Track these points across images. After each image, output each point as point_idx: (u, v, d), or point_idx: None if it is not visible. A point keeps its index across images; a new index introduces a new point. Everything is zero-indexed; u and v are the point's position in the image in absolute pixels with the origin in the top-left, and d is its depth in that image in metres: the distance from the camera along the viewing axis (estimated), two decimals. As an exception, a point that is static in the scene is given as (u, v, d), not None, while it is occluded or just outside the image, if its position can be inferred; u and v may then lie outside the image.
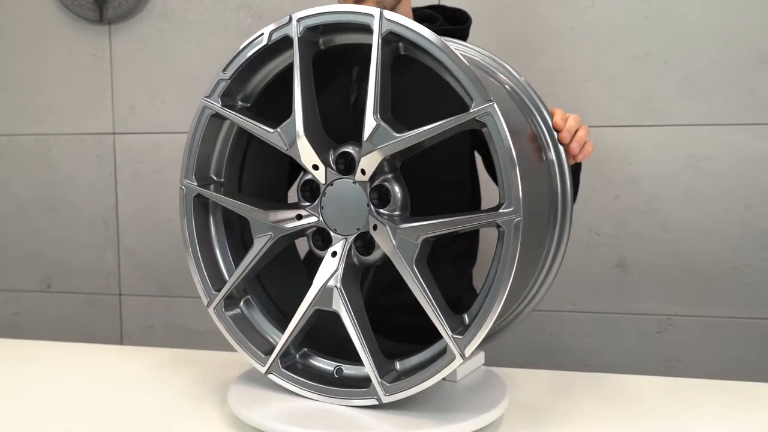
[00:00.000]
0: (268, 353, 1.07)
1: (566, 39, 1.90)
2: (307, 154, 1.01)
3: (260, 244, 1.06)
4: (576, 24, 1.90)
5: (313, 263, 1.10)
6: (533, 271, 1.05)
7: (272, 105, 1.18)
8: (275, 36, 1.02)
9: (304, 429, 0.93)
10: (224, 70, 1.06)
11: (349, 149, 1.01)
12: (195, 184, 1.10)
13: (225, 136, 1.12)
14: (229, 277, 1.12)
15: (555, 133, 1.05)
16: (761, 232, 1.86)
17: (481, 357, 1.17)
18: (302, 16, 0.99)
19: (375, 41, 0.94)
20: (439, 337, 1.10)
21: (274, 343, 1.10)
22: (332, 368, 1.07)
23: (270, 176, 1.35)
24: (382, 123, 0.95)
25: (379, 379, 0.97)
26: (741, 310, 1.89)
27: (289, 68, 1.07)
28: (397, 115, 1.31)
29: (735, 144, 1.85)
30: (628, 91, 1.89)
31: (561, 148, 1.04)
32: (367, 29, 0.97)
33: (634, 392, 1.16)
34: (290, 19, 1.00)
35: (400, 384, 0.96)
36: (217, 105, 1.07)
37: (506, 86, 1.08)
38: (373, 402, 0.98)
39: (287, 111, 1.05)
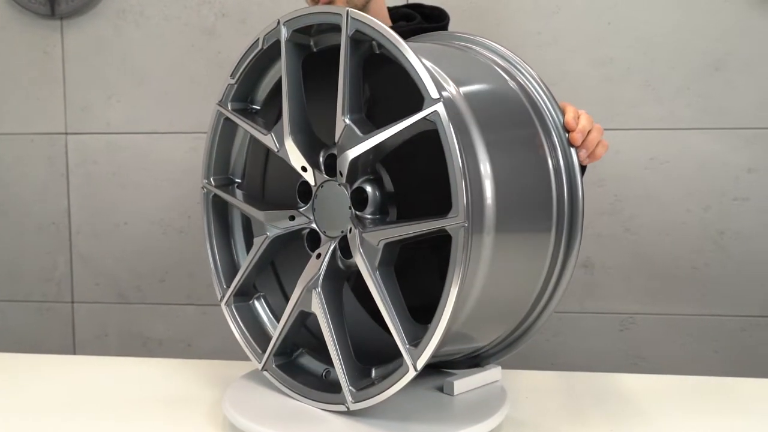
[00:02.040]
0: (265, 351, 1.08)
1: (533, 43, 1.93)
2: (295, 156, 1.02)
3: (258, 244, 1.08)
4: (542, 29, 1.94)
5: None
6: (534, 280, 1.03)
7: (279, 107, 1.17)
8: (269, 39, 1.02)
9: (272, 428, 0.93)
10: (231, 75, 1.08)
11: (334, 151, 1.00)
12: (213, 184, 1.14)
13: (243, 139, 1.15)
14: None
15: (566, 133, 1.03)
16: (718, 232, 1.93)
17: (496, 372, 1.09)
18: (287, 19, 0.99)
19: (343, 40, 0.93)
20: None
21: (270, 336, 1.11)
22: (321, 370, 1.06)
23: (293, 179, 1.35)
24: (350, 123, 0.94)
25: (348, 385, 0.94)
26: (699, 308, 1.96)
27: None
28: (375, 114, 1.30)
29: (694, 147, 1.92)
30: (592, 95, 1.93)
31: (573, 150, 1.02)
32: (338, 29, 0.96)
33: (627, 391, 1.18)
34: (278, 23, 1.00)
35: (369, 391, 0.92)
36: (225, 109, 1.09)
37: (517, 79, 1.07)
38: (341, 408, 0.95)
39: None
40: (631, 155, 1.94)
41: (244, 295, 1.14)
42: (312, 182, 1.01)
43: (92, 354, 2.08)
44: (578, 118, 1.03)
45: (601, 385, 1.19)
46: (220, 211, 1.16)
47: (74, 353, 2.16)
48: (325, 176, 1.01)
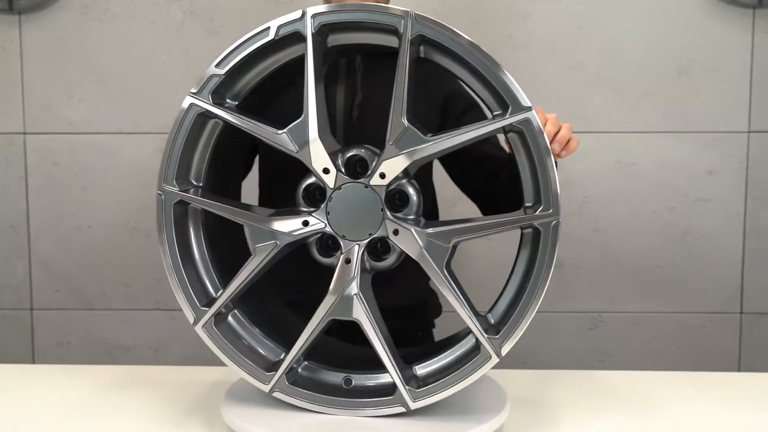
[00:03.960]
0: (267, 370, 1.02)
1: (506, 47, 1.96)
2: (319, 158, 0.98)
3: (263, 252, 1.00)
4: (514, 33, 1.96)
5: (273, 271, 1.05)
6: None
7: (263, 105, 1.13)
8: (283, 31, 0.97)
9: None
10: (218, 64, 0.99)
11: (360, 152, 0.98)
12: (176, 189, 1.01)
13: (207, 138, 1.05)
14: (216, 290, 1.05)
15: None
16: (682, 232, 2.00)
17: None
18: (318, 12, 0.96)
19: (404, 43, 0.93)
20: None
21: (270, 357, 1.05)
22: (340, 379, 1.03)
23: (234, 176, 1.32)
24: (411, 126, 0.93)
25: (406, 386, 0.96)
26: (664, 305, 2.03)
27: (285, 67, 1.03)
28: (363, 118, 1.29)
29: (659, 150, 1.98)
30: (562, 98, 1.97)
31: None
32: (387, 29, 0.95)
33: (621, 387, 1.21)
34: (303, 15, 0.96)
35: (428, 389, 0.96)
36: (207, 103, 0.99)
37: None
38: (400, 409, 0.97)
39: (284, 112, 1.01)
40: (599, 157, 1.99)
41: (219, 314, 1.04)
42: (331, 185, 0.98)
43: (53, 363, 2.01)
44: (545, 123, 1.07)
45: (573, 382, 1.23)
46: (179, 220, 1.04)
47: (33, 362, 2.07)
48: (348, 178, 0.98)
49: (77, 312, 2.07)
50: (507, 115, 0.92)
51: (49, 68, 2.00)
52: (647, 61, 1.96)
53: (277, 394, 1.01)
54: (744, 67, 1.94)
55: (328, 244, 1.01)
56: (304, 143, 0.97)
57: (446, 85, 1.33)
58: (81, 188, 2.03)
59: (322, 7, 0.97)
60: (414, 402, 0.96)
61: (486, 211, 1.40)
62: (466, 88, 1.23)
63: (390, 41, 0.97)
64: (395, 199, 0.99)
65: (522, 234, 0.99)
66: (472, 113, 1.34)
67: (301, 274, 1.15)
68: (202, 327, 1.02)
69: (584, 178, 1.99)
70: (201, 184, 1.06)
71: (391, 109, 0.93)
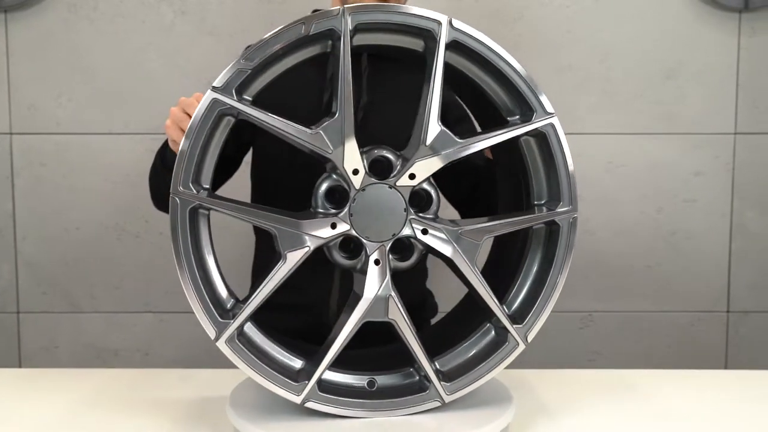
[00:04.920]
0: (292, 380, 0.98)
1: (497, 49, 1.97)
2: (352, 159, 0.97)
3: (295, 258, 0.97)
4: (505, 34, 1.98)
5: (261, 272, 1.03)
6: None
7: (277, 103, 1.11)
8: (317, 27, 0.94)
9: None
10: (246, 58, 0.94)
11: (385, 153, 0.99)
12: (194, 192, 0.96)
13: (219, 136, 0.99)
14: (228, 300, 0.99)
15: None
16: (670, 233, 2.03)
17: None
18: (356, 10, 0.95)
19: (440, 48, 0.95)
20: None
21: (291, 366, 1.01)
22: (364, 382, 1.02)
23: (223, 177, 1.35)
24: (444, 129, 0.97)
25: (440, 381, 0.98)
26: (652, 305, 2.05)
27: (302, 65, 1.02)
28: (368, 120, 1.30)
29: (647, 152, 2.01)
30: (552, 100, 1.97)
31: None
32: (417, 33, 0.97)
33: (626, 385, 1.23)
34: (340, 12, 0.94)
35: (461, 381, 1.00)
36: (231, 99, 0.95)
37: None
38: (436, 404, 0.99)
39: (300, 110, 1.01)
40: (589, 159, 2.01)
41: (239, 325, 0.98)
42: (357, 186, 0.97)
43: (39, 367, 1.98)
44: None
45: (564, 380, 1.25)
46: (193, 227, 0.98)
47: (19, 366, 2.04)
48: (374, 179, 0.98)
49: (65, 315, 2.03)
50: (533, 120, 1.00)
51: (36, 67, 1.97)
52: (636, 63, 1.99)
53: (310, 404, 0.98)
54: (730, 70, 1.98)
55: (350, 246, 1.00)
56: (338, 143, 0.95)
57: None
58: (69, 189, 2.00)
59: (359, 6, 0.96)
60: (449, 395, 0.99)
61: (464, 216, 1.45)
62: (458, 99, 1.26)
63: (414, 44, 1.00)
64: (418, 199, 1.01)
65: (531, 230, 1.04)
66: (464, 125, 1.38)
67: (298, 275, 1.15)
68: (225, 343, 0.96)
69: (576, 178, 2.01)
70: (208, 187, 1.01)
71: (425, 111, 0.96)
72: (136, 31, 1.96)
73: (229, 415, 1.01)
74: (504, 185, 1.17)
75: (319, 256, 1.01)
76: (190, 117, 1.02)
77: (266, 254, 1.27)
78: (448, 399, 0.99)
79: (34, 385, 1.23)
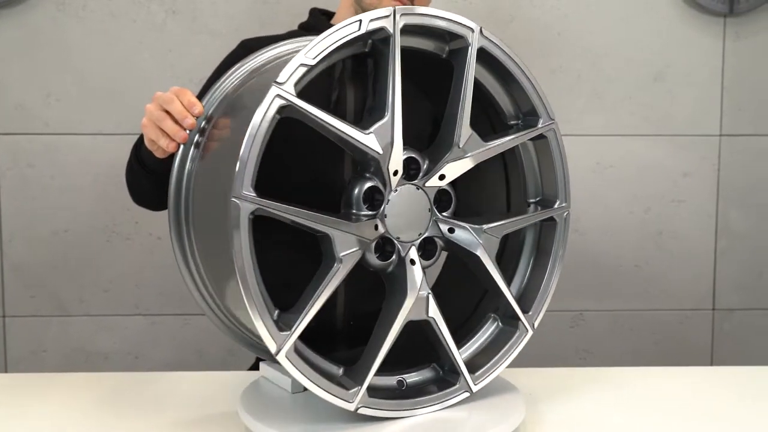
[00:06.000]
0: (340, 387, 0.94)
1: (490, 51, 1.99)
2: (396, 160, 0.96)
3: (350, 261, 0.94)
4: (497, 36, 1.99)
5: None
6: None
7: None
8: (370, 27, 0.92)
9: None
10: (308, 53, 0.88)
11: (413, 155, 1.00)
12: (255, 195, 0.87)
13: (265, 135, 0.89)
14: (279, 309, 0.93)
15: None
16: (657, 233, 2.07)
17: None
18: (406, 12, 0.95)
19: (472, 55, 0.99)
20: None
21: (334, 373, 0.98)
22: (393, 381, 1.02)
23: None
24: (474, 132, 1.00)
25: (468, 373, 1.02)
26: (641, 303, 2.09)
27: (335, 66, 1.07)
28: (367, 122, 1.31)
29: (636, 153, 2.05)
30: (544, 102, 2.01)
31: None
32: (444, 36, 1.00)
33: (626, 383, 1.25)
34: (392, 13, 0.93)
35: (483, 371, 1.04)
36: (292, 95, 0.88)
37: None
38: (465, 395, 1.03)
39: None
40: (578, 160, 2.04)
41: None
42: (394, 186, 0.98)
43: (27, 372, 1.94)
44: None
45: (554, 379, 1.27)
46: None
47: (5, 371, 2.00)
48: (405, 180, 0.99)
49: (53, 319, 2.00)
50: (540, 124, 1.05)
51: (23, 66, 1.93)
52: (625, 66, 2.02)
53: (363, 410, 0.95)
54: (716, 73, 2.03)
55: (384, 248, 1.00)
56: (387, 145, 0.95)
57: (433, 102, 1.35)
58: (57, 191, 1.96)
59: (409, 8, 0.96)
60: (476, 385, 1.03)
61: None
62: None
63: (437, 48, 1.03)
64: (441, 199, 1.03)
65: (526, 228, 1.13)
66: None
67: (305, 276, 1.14)
68: (285, 356, 0.89)
69: (564, 179, 2.04)
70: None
71: (458, 114, 0.99)
72: (126, 30, 1.94)
73: (244, 418, 1.00)
74: (501, 184, 1.20)
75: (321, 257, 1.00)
76: (169, 114, 1.04)
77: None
78: (475, 389, 1.03)
79: (22, 390, 1.20)
